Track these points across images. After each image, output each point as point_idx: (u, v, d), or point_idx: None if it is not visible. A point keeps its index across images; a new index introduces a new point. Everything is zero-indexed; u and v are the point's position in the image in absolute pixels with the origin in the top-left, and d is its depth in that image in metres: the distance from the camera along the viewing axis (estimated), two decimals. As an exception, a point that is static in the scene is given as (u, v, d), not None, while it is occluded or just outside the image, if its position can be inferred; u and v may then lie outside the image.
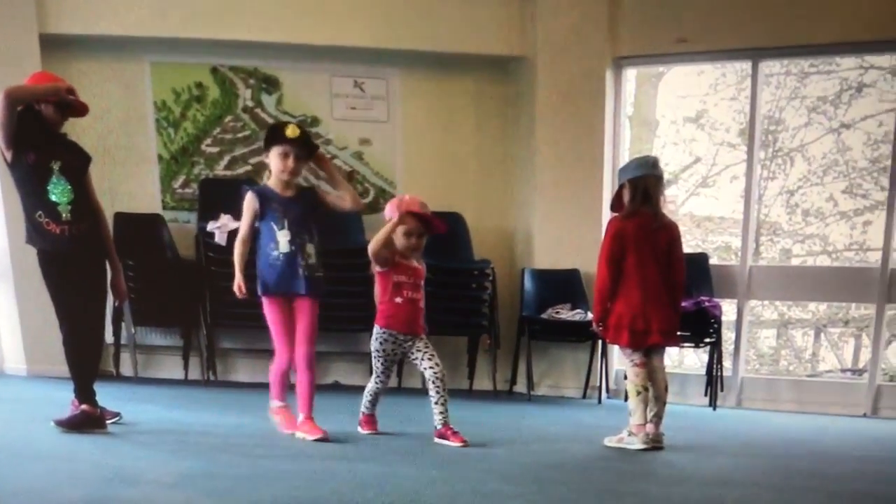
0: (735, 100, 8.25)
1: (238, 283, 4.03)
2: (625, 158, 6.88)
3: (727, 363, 6.51)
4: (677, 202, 9.06)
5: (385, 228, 4.16)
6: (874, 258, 8.64)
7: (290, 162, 4.02)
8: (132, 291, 5.15)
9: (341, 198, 4.16)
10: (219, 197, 6.21)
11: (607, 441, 4.31)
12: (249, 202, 4.08)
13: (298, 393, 4.11)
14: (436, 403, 4.15)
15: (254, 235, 4.10)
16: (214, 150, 6.82)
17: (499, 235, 6.93)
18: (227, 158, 6.82)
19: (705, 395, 6.36)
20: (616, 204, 4.35)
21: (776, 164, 8.65)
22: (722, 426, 5.62)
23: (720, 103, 8.56)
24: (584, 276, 6.53)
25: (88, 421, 3.96)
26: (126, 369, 6.45)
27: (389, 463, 3.62)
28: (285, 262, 4.04)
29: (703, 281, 6.43)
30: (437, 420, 4.16)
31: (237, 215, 4.30)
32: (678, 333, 4.47)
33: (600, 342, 6.22)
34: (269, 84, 6.81)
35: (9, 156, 3.97)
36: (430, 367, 4.16)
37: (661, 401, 4.27)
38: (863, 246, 8.64)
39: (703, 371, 6.55)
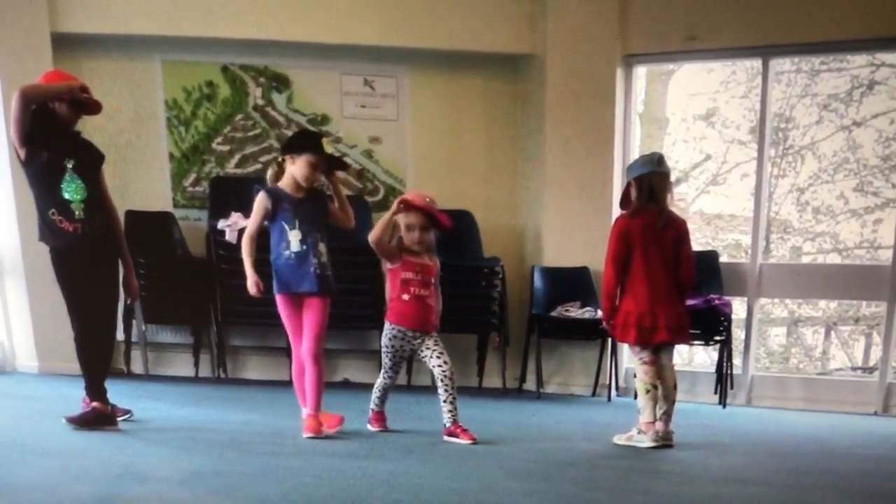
0: (745, 97, 8.23)
1: (254, 280, 4.06)
2: (635, 156, 6.86)
3: (737, 361, 6.48)
4: (687, 200, 9.03)
5: (383, 217, 4.24)
6: (885, 256, 8.60)
7: (317, 174, 4.14)
8: (143, 289, 5.17)
9: (345, 214, 4.26)
10: (229, 195, 6.23)
11: (616, 439, 4.31)
12: (261, 201, 4.13)
13: (306, 388, 4.14)
14: (444, 401, 4.16)
15: (262, 234, 4.14)
16: (225, 148, 6.84)
17: (508, 233, 6.93)
18: (237, 156, 6.84)
19: (715, 392, 6.34)
20: (625, 202, 4.35)
21: (787, 162, 8.62)
22: (732, 424, 5.60)
23: (731, 101, 8.54)
24: (593, 274, 6.51)
25: (99, 418, 3.99)
26: (137, 367, 6.48)
27: (398, 460, 3.62)
28: (297, 262, 4.09)
29: (714, 279, 6.41)
30: (446, 418, 4.17)
31: (248, 213, 4.33)
32: (687, 331, 4.46)
33: (610, 340, 6.21)
34: (280, 82, 6.83)
35: (22, 154, 3.99)
36: (439, 366, 4.17)
37: (670, 399, 4.26)
38: (873, 244, 8.60)
39: (713, 369, 6.52)
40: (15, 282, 6.32)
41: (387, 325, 4.28)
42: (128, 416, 4.27)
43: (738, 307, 6.72)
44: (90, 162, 4.12)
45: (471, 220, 6.57)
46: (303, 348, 4.13)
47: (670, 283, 4.26)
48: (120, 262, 4.27)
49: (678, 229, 4.31)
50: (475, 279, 6.49)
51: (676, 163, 8.80)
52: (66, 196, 4.00)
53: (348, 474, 3.24)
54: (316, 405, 4.11)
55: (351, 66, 6.82)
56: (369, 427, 4.39)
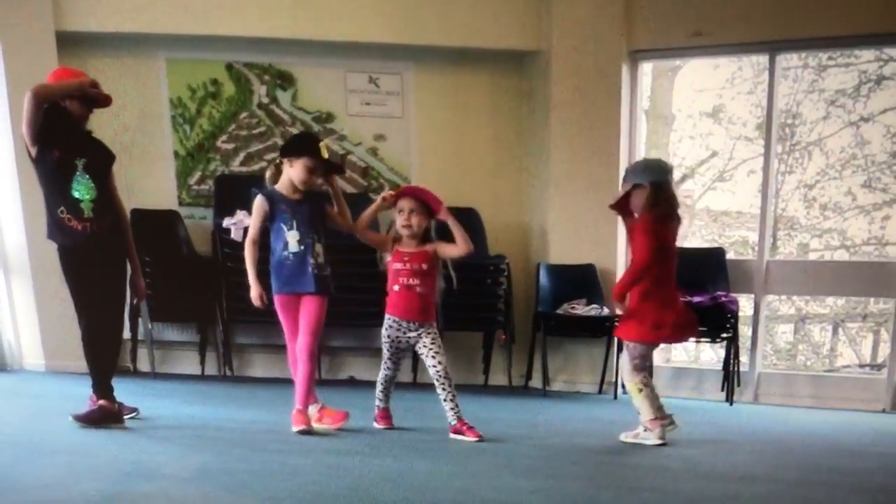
0: (752, 93, 8.20)
1: (258, 293, 4.10)
2: (641, 153, 6.85)
3: (744, 358, 6.46)
4: (694, 196, 9.02)
5: (370, 207, 4.34)
6: (893, 253, 8.59)
7: (314, 178, 4.17)
8: (149, 287, 5.16)
9: (344, 217, 4.28)
10: (234, 193, 6.22)
11: (623, 436, 4.30)
12: (259, 205, 4.18)
13: (296, 382, 4.16)
14: (444, 400, 4.18)
15: (264, 237, 4.18)
16: (230, 146, 6.83)
17: (514, 230, 6.91)
18: (242, 155, 6.84)
19: (722, 390, 6.32)
20: (625, 204, 4.32)
21: (794, 158, 8.59)
22: (739, 421, 5.59)
23: (737, 97, 8.51)
24: (599, 272, 6.50)
25: (106, 416, 3.99)
26: (143, 365, 6.49)
27: (404, 458, 3.62)
28: (295, 262, 4.13)
29: (720, 276, 6.39)
30: (451, 416, 4.17)
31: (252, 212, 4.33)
32: (693, 327, 4.47)
33: (616, 339, 6.19)
34: (284, 80, 6.82)
35: (34, 152, 3.99)
36: (433, 366, 4.19)
37: None
38: (881, 240, 8.56)
39: (719, 366, 6.51)
40: (22, 280, 6.33)
41: (385, 317, 4.31)
42: (134, 414, 4.28)
43: (745, 304, 6.70)
44: (101, 161, 4.13)
45: (476, 217, 6.56)
46: (298, 343, 4.16)
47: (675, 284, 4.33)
48: (128, 262, 4.27)
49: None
50: (480, 276, 6.47)
51: (683, 159, 8.79)
52: (76, 195, 4.00)
53: (355, 472, 3.24)
54: (304, 401, 4.13)
55: (356, 64, 6.81)
56: (375, 425, 4.39)
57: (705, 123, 8.85)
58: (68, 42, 6.24)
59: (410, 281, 4.21)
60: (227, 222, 5.99)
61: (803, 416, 5.98)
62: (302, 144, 4.27)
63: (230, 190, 6.44)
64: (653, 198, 4.20)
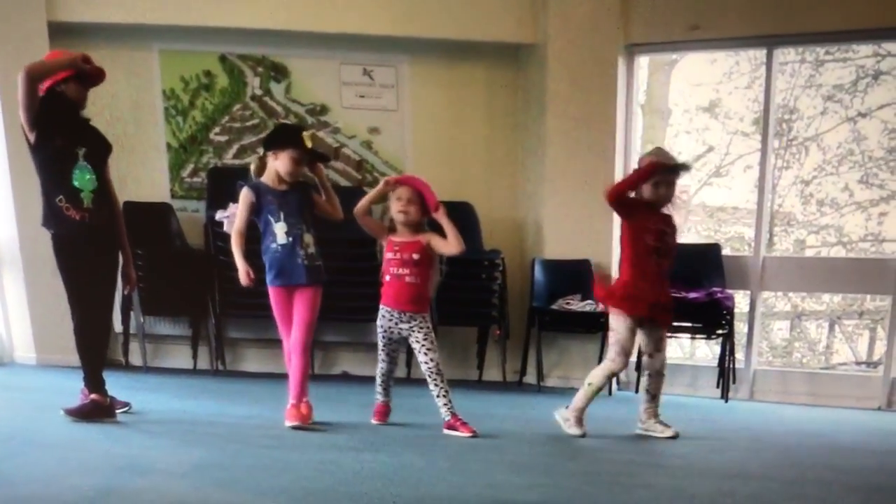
0: (749, 88, 8.17)
1: (245, 269, 4.07)
2: (637, 147, 6.82)
3: (739, 355, 6.45)
4: (690, 192, 8.99)
5: (371, 192, 4.35)
6: (890, 249, 8.59)
7: (300, 168, 4.16)
8: (141, 280, 5.15)
9: (332, 205, 4.27)
10: (227, 186, 6.16)
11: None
12: (245, 197, 4.17)
13: (290, 377, 4.14)
14: (437, 396, 4.17)
15: (250, 228, 4.17)
16: (223, 138, 6.79)
17: (509, 225, 6.89)
18: (235, 147, 6.80)
19: (717, 387, 6.31)
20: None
21: (790, 154, 8.57)
22: (734, 419, 5.58)
23: (734, 92, 8.48)
24: (594, 267, 6.48)
25: (98, 410, 3.96)
26: (135, 359, 6.45)
27: (398, 454, 3.60)
28: (285, 254, 4.12)
29: (716, 272, 6.37)
30: (444, 412, 4.16)
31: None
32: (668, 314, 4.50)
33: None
34: (278, 72, 6.78)
35: (32, 137, 3.95)
36: (425, 362, 4.18)
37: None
38: (878, 237, 8.55)
39: (715, 363, 6.49)
40: (13, 273, 6.28)
41: (379, 308, 4.30)
42: (126, 408, 4.25)
43: (741, 300, 6.69)
44: (100, 151, 4.10)
45: (471, 211, 6.53)
46: (291, 338, 4.15)
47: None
48: (119, 252, 4.24)
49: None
50: (475, 272, 6.45)
51: (679, 154, 8.76)
52: (77, 184, 3.97)
53: (348, 467, 3.22)
54: (298, 395, 4.11)
55: (350, 56, 6.77)
56: (372, 420, 4.36)
57: (702, 118, 8.83)
58: (60, 33, 6.17)
59: (401, 270, 4.19)
60: (219, 215, 5.95)
61: (799, 413, 5.97)
62: (286, 136, 4.26)
63: (223, 182, 6.40)
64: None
